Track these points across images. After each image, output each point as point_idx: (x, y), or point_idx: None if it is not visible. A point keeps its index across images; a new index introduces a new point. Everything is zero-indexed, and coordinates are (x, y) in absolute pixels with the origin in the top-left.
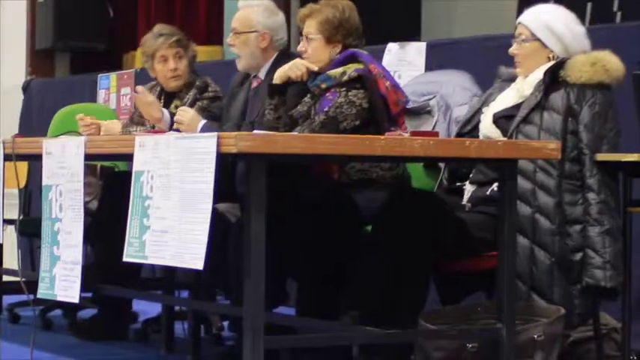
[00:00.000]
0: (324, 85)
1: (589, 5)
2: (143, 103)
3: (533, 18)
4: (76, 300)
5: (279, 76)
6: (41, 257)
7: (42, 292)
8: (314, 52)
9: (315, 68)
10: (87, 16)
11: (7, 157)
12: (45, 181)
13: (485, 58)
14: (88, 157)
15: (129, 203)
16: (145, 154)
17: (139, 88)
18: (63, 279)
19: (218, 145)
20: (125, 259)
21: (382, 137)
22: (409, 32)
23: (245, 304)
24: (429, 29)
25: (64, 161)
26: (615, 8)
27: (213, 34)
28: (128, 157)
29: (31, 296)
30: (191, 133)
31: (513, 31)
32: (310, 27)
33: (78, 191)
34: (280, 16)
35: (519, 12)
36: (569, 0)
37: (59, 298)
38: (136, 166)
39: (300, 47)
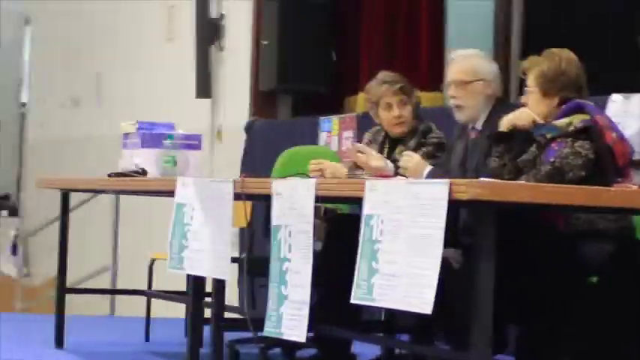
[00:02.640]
0: (549, 135)
1: None
2: (361, 158)
3: None
4: (302, 339)
5: (505, 123)
6: (269, 296)
7: (268, 329)
8: (532, 104)
9: (540, 120)
10: (310, 58)
11: (237, 197)
12: (274, 222)
13: None
14: (318, 199)
15: (353, 246)
16: (375, 197)
17: (357, 145)
18: (290, 318)
19: (450, 191)
20: (353, 300)
21: (613, 189)
22: (633, 83)
23: (472, 350)
24: None
25: (293, 202)
26: None
27: (435, 79)
28: (357, 201)
29: (258, 333)
30: (419, 179)
31: None
32: (529, 79)
33: (307, 232)
34: (495, 64)
35: None
36: None
37: (285, 337)
38: (367, 209)
39: (523, 99)
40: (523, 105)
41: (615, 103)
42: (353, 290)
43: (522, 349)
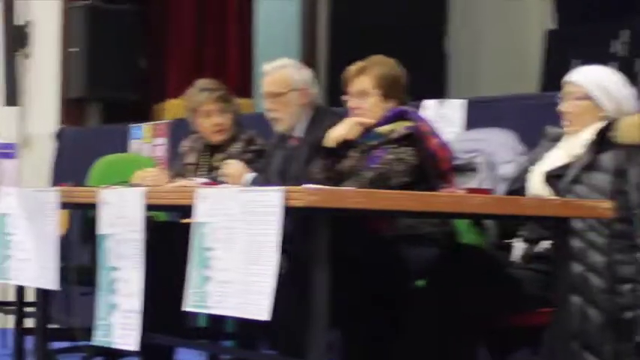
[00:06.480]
0: (373, 142)
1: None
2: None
3: (587, 77)
4: (135, 348)
5: (334, 138)
6: (97, 305)
7: (98, 339)
8: (371, 108)
9: (372, 122)
10: (118, 66)
11: (62, 206)
12: (101, 230)
13: (524, 117)
14: (148, 207)
15: (173, 253)
16: (206, 206)
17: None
18: (121, 327)
19: (284, 198)
20: (185, 308)
21: (442, 194)
22: (435, 90)
23: (308, 356)
24: (454, 87)
25: (123, 211)
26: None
27: (244, 86)
28: (177, 208)
29: (87, 343)
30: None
31: (537, 90)
32: (365, 83)
33: (137, 241)
34: (309, 70)
35: (545, 72)
36: (596, 60)
37: (117, 346)
38: (198, 217)
39: (352, 104)
40: (352, 111)
41: (428, 110)
42: (185, 298)
43: (352, 354)
